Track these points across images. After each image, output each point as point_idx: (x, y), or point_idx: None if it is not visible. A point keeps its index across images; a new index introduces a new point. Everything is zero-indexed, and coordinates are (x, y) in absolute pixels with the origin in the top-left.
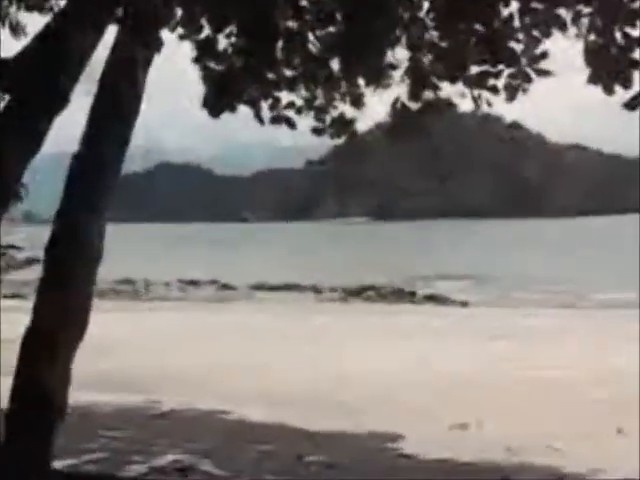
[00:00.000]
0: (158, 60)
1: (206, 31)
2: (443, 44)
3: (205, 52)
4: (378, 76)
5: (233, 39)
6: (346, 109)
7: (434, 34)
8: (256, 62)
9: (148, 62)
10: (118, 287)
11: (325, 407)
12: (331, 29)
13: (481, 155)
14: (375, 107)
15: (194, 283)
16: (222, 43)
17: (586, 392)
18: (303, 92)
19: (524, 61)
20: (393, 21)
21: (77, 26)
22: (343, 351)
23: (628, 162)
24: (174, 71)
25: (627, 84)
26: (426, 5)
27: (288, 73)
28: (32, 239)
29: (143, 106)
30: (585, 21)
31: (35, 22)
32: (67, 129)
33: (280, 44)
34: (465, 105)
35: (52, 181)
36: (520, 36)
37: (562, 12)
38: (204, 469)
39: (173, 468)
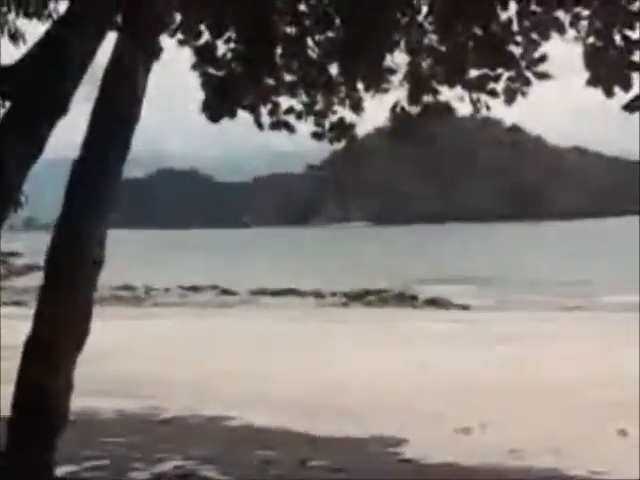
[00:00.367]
0: (158, 65)
1: (205, 37)
2: (442, 48)
3: (204, 58)
4: (377, 80)
5: (232, 44)
6: (345, 114)
7: (433, 38)
8: (255, 67)
9: (148, 68)
10: (119, 293)
11: (328, 412)
12: (330, 34)
13: (481, 159)
14: (374, 112)
15: (194, 289)
16: (221, 49)
17: (590, 395)
18: (303, 97)
19: (523, 64)
20: (392, 25)
21: (77, 32)
22: (345, 356)
23: (628, 164)
24: (174, 77)
25: (627, 86)
26: (425, 9)
27: (287, 78)
28: (32, 246)
29: (144, 112)
30: (584, 23)
31: (35, 29)
32: (67, 135)
33: (279, 49)
34: (464, 109)
35: (53, 187)
36: (519, 39)
37: (561, 15)
38: (207, 475)
39: (175, 475)
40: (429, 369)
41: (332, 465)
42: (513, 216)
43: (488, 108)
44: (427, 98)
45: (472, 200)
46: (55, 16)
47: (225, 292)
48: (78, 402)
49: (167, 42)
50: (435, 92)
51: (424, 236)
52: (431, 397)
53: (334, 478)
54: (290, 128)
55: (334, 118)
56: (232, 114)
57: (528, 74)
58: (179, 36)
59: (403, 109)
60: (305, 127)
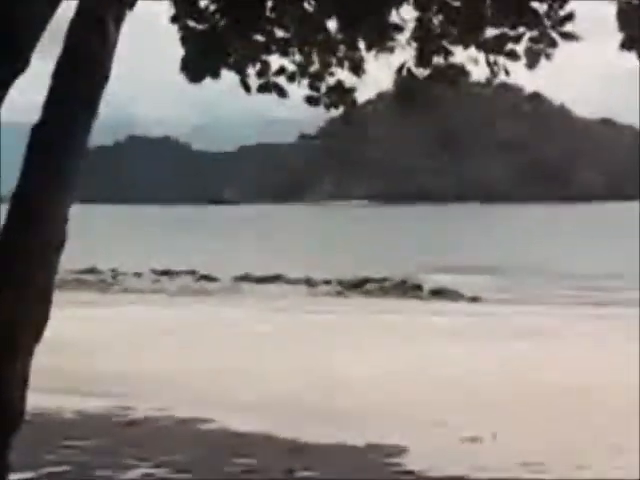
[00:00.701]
0: (130, 17)
1: None
2: (455, 2)
3: (184, 9)
4: (381, 38)
5: None
6: (344, 76)
7: None
8: (243, 21)
9: (119, 19)
10: (83, 277)
11: (320, 416)
12: None
13: (497, 131)
14: (377, 74)
15: (169, 273)
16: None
17: (614, 402)
18: (296, 56)
19: (548, 23)
20: None
21: None
22: (339, 353)
23: None
24: (149, 31)
25: None
26: None
27: (279, 34)
28: None
29: (113, 71)
30: None
31: None
32: (26, 97)
33: (270, 0)
34: (479, 73)
35: (8, 155)
36: None
37: None
38: None
39: None
40: (434, 369)
41: (323, 476)
42: (532, 197)
43: (507, 73)
44: (437, 60)
45: (486, 178)
46: None
47: (204, 278)
48: (35, 400)
49: None
50: (447, 53)
51: (431, 218)
52: (436, 401)
53: None
54: (281, 91)
55: (331, 81)
56: (215, 74)
57: (553, 34)
58: None
59: (410, 72)
60: (298, 91)
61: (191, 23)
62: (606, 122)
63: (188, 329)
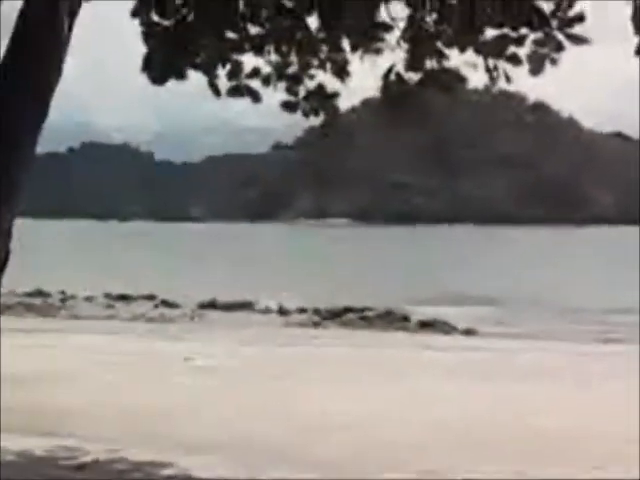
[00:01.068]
0: (87, 9)
1: None
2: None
3: (147, 2)
4: (367, 38)
5: None
6: (326, 79)
7: None
8: (213, 16)
9: (73, 12)
10: (27, 301)
11: (289, 461)
12: None
13: (497, 144)
14: (363, 78)
15: (125, 298)
16: None
17: (626, 451)
18: (272, 56)
19: (554, 24)
20: None
21: None
22: (315, 391)
23: None
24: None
25: None
26: None
27: (253, 31)
28: None
29: (66, 70)
30: None
31: None
32: None
33: None
34: (477, 79)
35: None
36: None
37: None
38: None
39: None
40: (421, 412)
41: None
42: (534, 219)
43: (508, 79)
44: (430, 63)
45: (483, 196)
46: None
47: (165, 304)
48: None
49: None
50: (441, 56)
51: (420, 240)
52: (425, 449)
53: None
54: (254, 95)
55: (311, 84)
56: (181, 75)
57: (560, 37)
58: None
59: (399, 76)
60: (274, 95)
61: (155, 18)
62: (618, 136)
63: (142, 362)
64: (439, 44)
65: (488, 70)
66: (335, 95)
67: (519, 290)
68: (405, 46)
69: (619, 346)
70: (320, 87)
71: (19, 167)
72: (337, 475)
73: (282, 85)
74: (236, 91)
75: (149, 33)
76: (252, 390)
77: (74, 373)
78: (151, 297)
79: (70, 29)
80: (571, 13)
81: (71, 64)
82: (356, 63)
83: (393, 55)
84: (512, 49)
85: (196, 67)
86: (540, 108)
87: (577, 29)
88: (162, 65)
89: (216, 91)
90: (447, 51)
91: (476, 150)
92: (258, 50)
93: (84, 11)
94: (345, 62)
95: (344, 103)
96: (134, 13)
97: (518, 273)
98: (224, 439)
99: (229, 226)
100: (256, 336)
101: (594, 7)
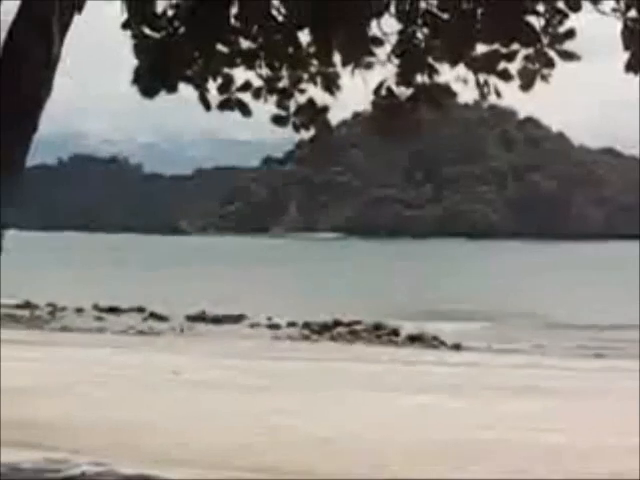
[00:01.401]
0: (78, 22)
1: None
2: (443, 14)
3: (139, 14)
4: (358, 53)
5: None
6: (317, 93)
7: (432, 1)
8: (204, 29)
9: (66, 24)
10: (16, 312)
11: (278, 477)
12: None
13: (488, 159)
14: (353, 93)
15: (114, 310)
16: (160, 4)
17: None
18: (263, 70)
19: (545, 40)
20: None
21: None
22: (302, 407)
23: None
24: (99, 38)
25: None
26: None
27: (244, 45)
28: None
29: (57, 82)
30: None
31: None
32: None
33: (235, 7)
34: (468, 94)
35: None
36: (541, 8)
37: None
38: None
39: None
40: (411, 430)
41: None
42: (527, 234)
43: (498, 95)
44: (421, 78)
45: (473, 210)
46: None
47: (153, 316)
48: None
49: None
50: (432, 71)
51: (410, 254)
52: (414, 470)
53: None
54: (245, 109)
55: (302, 99)
56: (172, 88)
57: (551, 53)
58: None
59: (390, 91)
60: (264, 109)
61: (146, 30)
62: (609, 152)
63: (135, 374)
64: (430, 59)
65: (479, 85)
66: (325, 109)
67: (508, 305)
68: (396, 61)
69: (610, 361)
70: (310, 101)
71: (8, 181)
72: None
73: (273, 99)
74: (227, 105)
75: (140, 46)
76: (238, 404)
77: (62, 386)
78: (140, 309)
79: (61, 43)
80: (562, 29)
81: (61, 76)
82: (347, 78)
83: (384, 70)
84: (503, 65)
85: (187, 80)
86: (530, 123)
87: (568, 45)
88: (152, 78)
89: (206, 105)
90: (438, 66)
91: (466, 164)
92: (249, 64)
93: (75, 23)
94: (336, 76)
95: (335, 117)
96: (125, 25)
97: (508, 288)
98: (212, 453)
99: (218, 239)
100: (245, 349)
101: (585, 23)
